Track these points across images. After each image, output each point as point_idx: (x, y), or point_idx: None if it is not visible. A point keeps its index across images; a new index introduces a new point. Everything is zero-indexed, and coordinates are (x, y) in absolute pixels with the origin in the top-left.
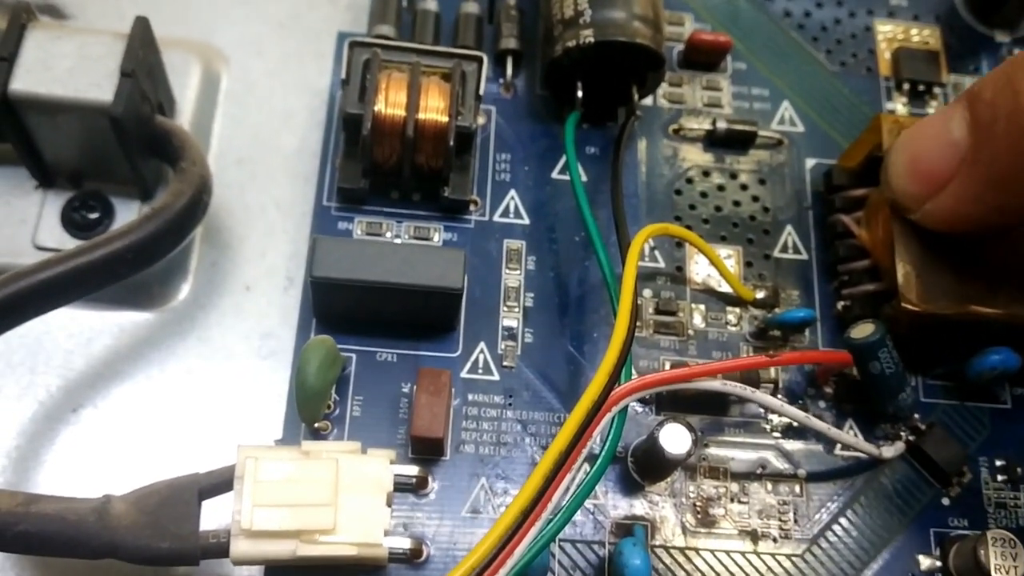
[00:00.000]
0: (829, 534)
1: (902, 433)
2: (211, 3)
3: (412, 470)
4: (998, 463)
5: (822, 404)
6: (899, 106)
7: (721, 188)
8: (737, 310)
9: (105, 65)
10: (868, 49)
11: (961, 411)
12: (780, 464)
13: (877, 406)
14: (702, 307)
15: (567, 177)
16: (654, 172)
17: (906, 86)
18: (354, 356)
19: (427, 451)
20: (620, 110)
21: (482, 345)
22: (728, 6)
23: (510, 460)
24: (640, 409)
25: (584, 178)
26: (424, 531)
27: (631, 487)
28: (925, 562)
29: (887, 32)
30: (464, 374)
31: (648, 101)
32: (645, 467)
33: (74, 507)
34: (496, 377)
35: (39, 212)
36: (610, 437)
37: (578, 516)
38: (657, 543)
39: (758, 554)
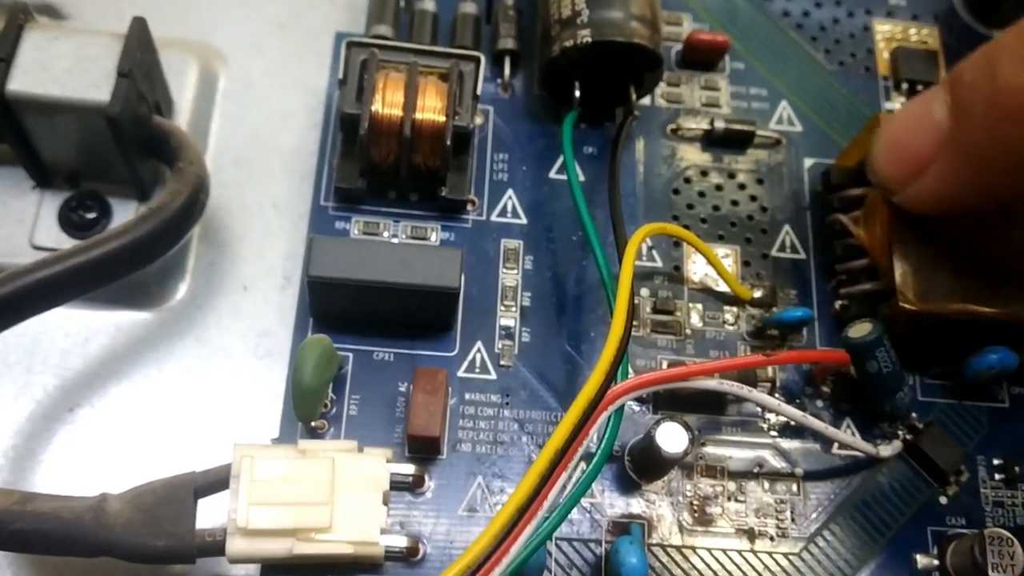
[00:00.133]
0: (826, 533)
1: (900, 432)
2: (209, 3)
3: (409, 469)
4: (996, 462)
5: (819, 403)
6: (898, 106)
7: (719, 188)
8: (735, 309)
9: (102, 65)
10: (867, 49)
11: (959, 410)
12: (777, 463)
13: (875, 405)
14: (700, 306)
15: (565, 177)
16: (652, 172)
17: (904, 86)
18: (351, 355)
19: (424, 450)
20: (618, 110)
21: (479, 344)
22: (726, 6)
23: (507, 459)
24: (637, 408)
25: (582, 178)
26: (421, 530)
27: (628, 486)
28: (922, 561)
29: (886, 32)
30: (461, 373)
31: (646, 101)
32: (642, 466)
33: (70, 505)
34: (493, 376)
35: (36, 212)
36: (606, 435)
37: (575, 515)
38: (654, 542)
39: (755, 553)
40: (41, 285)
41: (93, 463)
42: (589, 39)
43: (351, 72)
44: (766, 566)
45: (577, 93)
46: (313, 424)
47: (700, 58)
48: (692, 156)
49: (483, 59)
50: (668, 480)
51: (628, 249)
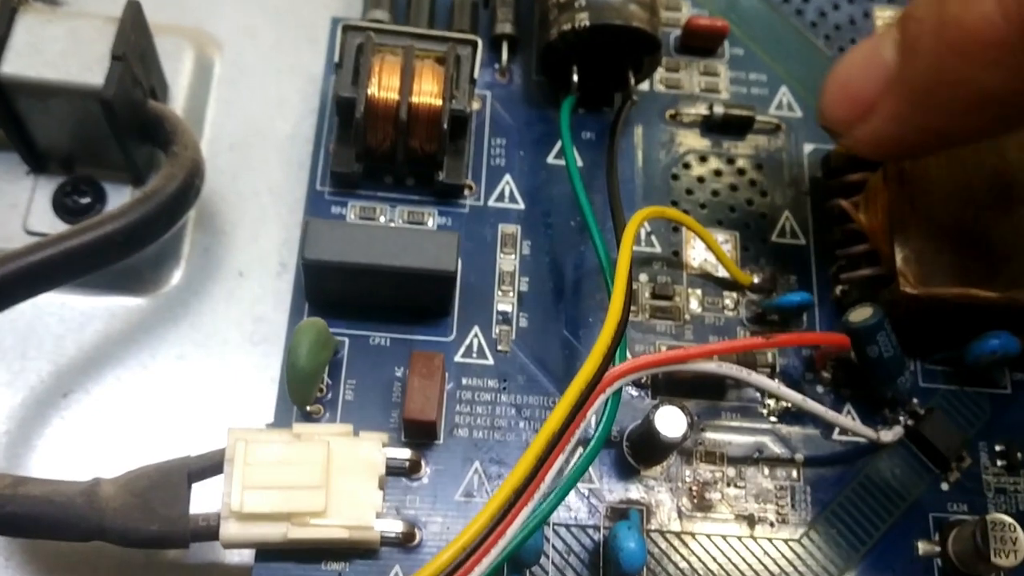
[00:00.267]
0: (826, 519)
1: (901, 418)
2: None
3: (405, 454)
4: (998, 448)
5: (820, 389)
6: None
7: (718, 173)
8: (734, 295)
9: (96, 49)
10: (867, 34)
11: (960, 396)
12: (777, 449)
13: (876, 390)
14: (699, 292)
15: (563, 162)
16: (651, 157)
17: None
18: (347, 340)
19: (420, 435)
20: (616, 95)
21: (476, 329)
22: None
23: (504, 444)
24: (635, 393)
25: (580, 163)
26: (417, 515)
27: (627, 472)
28: (924, 547)
29: (886, 17)
30: (458, 358)
31: (645, 86)
32: (641, 451)
33: (62, 489)
34: (490, 361)
35: (30, 197)
36: (604, 419)
37: (573, 500)
38: (653, 527)
39: (755, 539)
40: (34, 269)
41: (87, 449)
42: (587, 22)
43: (347, 56)
44: (765, 552)
45: (575, 78)
46: (308, 409)
47: (699, 43)
48: (691, 142)
49: (480, 43)
50: (667, 466)
51: (627, 230)
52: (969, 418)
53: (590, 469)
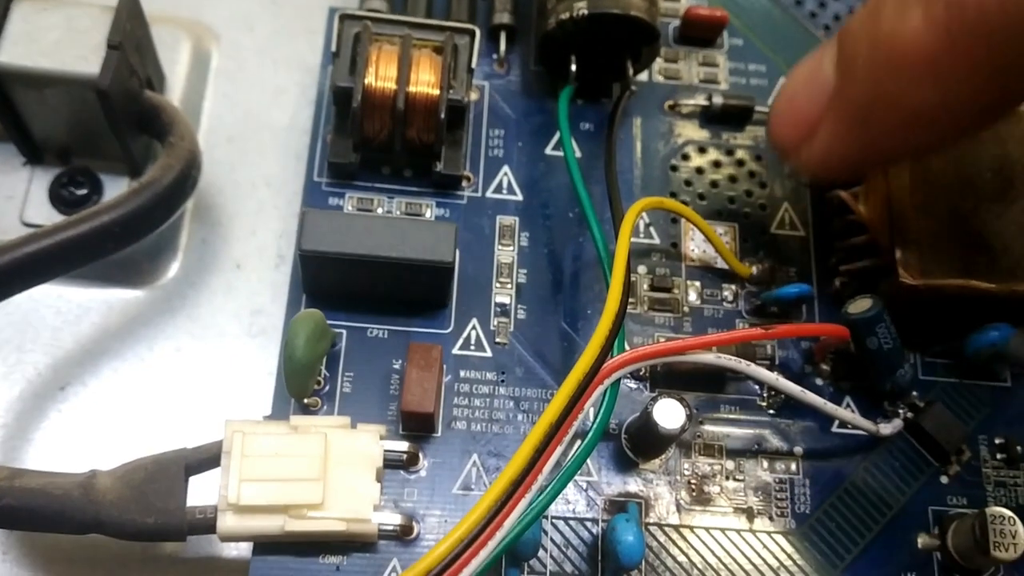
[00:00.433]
0: (825, 512)
1: (900, 411)
2: None
3: (403, 446)
4: (997, 441)
5: (819, 381)
6: None
7: (717, 164)
8: (733, 287)
9: (92, 37)
10: None
11: (960, 389)
12: (776, 442)
13: (875, 383)
14: (698, 284)
15: (561, 153)
16: (649, 148)
17: None
18: (344, 332)
19: (418, 427)
20: (615, 86)
21: (474, 321)
22: None
23: (502, 437)
24: (634, 386)
25: (578, 154)
26: (415, 508)
27: (625, 464)
28: (924, 540)
29: None
30: (456, 350)
31: (644, 77)
32: (639, 444)
33: (59, 481)
34: (488, 354)
35: (27, 188)
36: (602, 410)
37: (571, 493)
38: (651, 520)
39: (753, 532)
40: (30, 260)
41: (84, 441)
42: (585, 11)
43: (344, 45)
44: (764, 545)
45: (573, 68)
46: (306, 401)
47: (698, 34)
48: (690, 132)
49: (478, 32)
50: (666, 459)
51: (625, 221)
52: (969, 411)
53: (588, 462)
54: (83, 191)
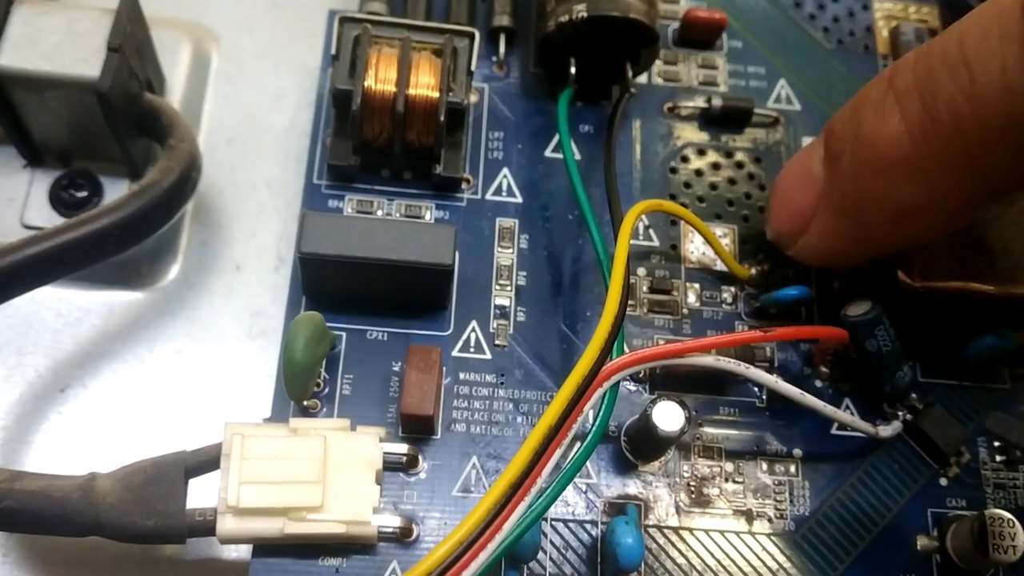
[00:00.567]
0: (824, 514)
1: (900, 413)
2: None
3: (402, 448)
4: (996, 444)
5: (818, 384)
6: None
7: (716, 167)
8: (732, 289)
9: (92, 40)
10: (866, 27)
11: (959, 391)
12: (776, 444)
13: (874, 385)
14: (697, 286)
15: (560, 155)
16: (648, 150)
17: None
18: (344, 334)
19: (417, 430)
20: (614, 88)
21: (474, 324)
22: None
23: (502, 439)
24: (633, 388)
25: (578, 156)
26: (414, 510)
27: (624, 467)
28: (923, 542)
29: (885, 10)
30: (456, 353)
31: (643, 79)
32: (638, 446)
33: (59, 484)
34: (488, 356)
35: (27, 191)
36: (601, 413)
37: (571, 496)
38: (651, 523)
39: (752, 534)
40: (30, 262)
41: (84, 444)
42: (584, 14)
43: (344, 48)
44: (764, 547)
45: (573, 70)
46: (305, 403)
47: (697, 36)
48: (689, 135)
49: (478, 35)
50: (665, 461)
51: (624, 224)
52: (969, 413)
53: (588, 464)
54: (83, 193)
